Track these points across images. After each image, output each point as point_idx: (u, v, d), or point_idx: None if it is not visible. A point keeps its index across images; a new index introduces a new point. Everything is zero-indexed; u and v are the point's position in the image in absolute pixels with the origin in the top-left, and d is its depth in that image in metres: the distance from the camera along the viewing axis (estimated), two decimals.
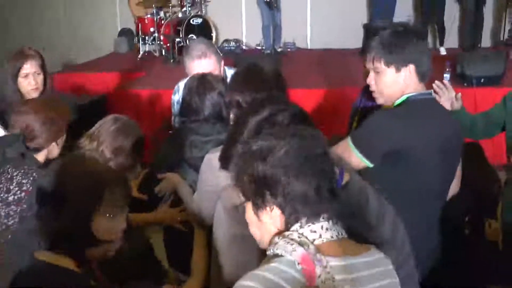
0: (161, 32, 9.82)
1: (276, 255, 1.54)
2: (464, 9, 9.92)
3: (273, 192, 1.56)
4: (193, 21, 9.65)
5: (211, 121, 3.02)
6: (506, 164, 3.64)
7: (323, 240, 1.57)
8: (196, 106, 3.04)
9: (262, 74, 2.54)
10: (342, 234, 1.63)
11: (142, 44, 10.06)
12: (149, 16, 10.01)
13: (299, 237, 1.54)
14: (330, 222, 1.60)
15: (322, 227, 1.57)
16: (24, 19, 11.36)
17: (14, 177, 2.64)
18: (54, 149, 2.85)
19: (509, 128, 3.39)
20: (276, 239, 1.57)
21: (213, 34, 9.69)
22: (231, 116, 2.57)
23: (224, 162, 1.87)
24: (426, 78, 2.57)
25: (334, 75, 7.85)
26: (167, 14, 10.02)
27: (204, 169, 2.56)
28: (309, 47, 10.93)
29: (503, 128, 3.45)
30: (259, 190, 1.59)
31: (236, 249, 2.54)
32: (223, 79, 3.29)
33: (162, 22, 9.87)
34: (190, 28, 9.58)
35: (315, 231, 1.57)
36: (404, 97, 2.52)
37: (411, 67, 2.49)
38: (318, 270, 1.49)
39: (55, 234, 1.87)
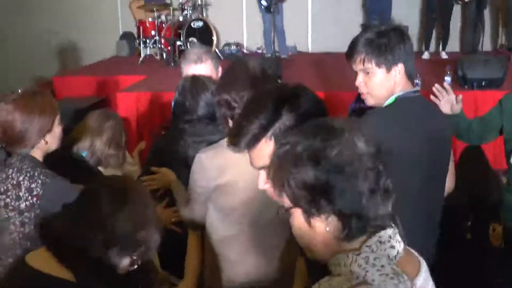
0: (162, 35, 9.79)
1: (365, 283, 1.34)
2: (465, 13, 9.93)
3: (330, 199, 1.37)
4: (194, 24, 9.62)
5: (204, 122, 2.99)
6: (505, 169, 3.56)
7: (400, 256, 1.42)
8: (190, 105, 3.01)
9: (249, 72, 2.49)
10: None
11: (143, 47, 10.04)
12: (150, 19, 9.99)
13: (388, 263, 1.37)
14: (395, 228, 1.46)
15: (397, 240, 1.43)
16: (25, 21, 11.31)
17: (21, 183, 2.57)
18: (50, 144, 2.70)
19: (507, 131, 3.36)
20: (360, 260, 1.37)
21: (214, 38, 9.65)
22: (222, 115, 2.53)
23: (235, 139, 1.75)
24: (413, 76, 2.58)
25: (333, 78, 7.78)
26: (168, 18, 9.98)
27: (195, 169, 2.52)
28: (310, 51, 10.90)
29: (500, 132, 3.39)
30: (312, 197, 1.38)
31: (229, 250, 2.50)
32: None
33: (163, 25, 9.86)
34: (191, 32, 9.57)
35: (393, 247, 1.41)
36: (393, 98, 2.51)
37: (400, 66, 2.48)
38: None
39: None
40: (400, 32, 2.51)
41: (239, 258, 2.49)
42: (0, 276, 2.35)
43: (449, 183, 2.77)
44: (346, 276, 1.37)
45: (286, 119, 1.70)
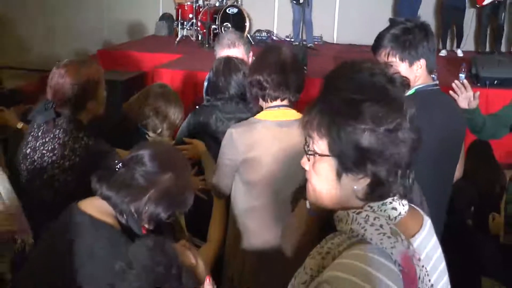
0: (199, 18, 9.77)
1: (364, 241, 1.31)
2: (480, 16, 9.84)
3: (375, 164, 1.32)
4: (229, 10, 9.59)
5: (234, 100, 3.01)
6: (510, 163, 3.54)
7: (401, 217, 1.40)
8: (222, 85, 3.03)
9: (280, 56, 2.52)
10: (407, 203, 1.46)
11: (180, 28, 10.03)
12: (189, 3, 9.96)
13: (387, 222, 1.33)
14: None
15: (400, 203, 1.41)
16: (72, 2, 11.39)
17: (67, 143, 2.57)
18: (94, 109, 2.71)
19: None
20: (360, 219, 1.34)
21: (247, 24, 9.62)
22: (253, 95, 2.56)
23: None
24: (433, 72, 2.57)
25: None
26: (205, 3, 9.94)
27: (225, 142, 2.54)
28: (335, 42, 10.82)
29: (510, 128, 3.36)
30: (359, 158, 1.32)
31: (251, 220, 2.52)
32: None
33: (201, 9, 9.82)
34: (225, 17, 9.54)
35: (395, 208, 1.39)
36: (413, 90, 2.49)
37: (422, 62, 2.48)
38: (418, 272, 1.31)
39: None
40: (425, 30, 2.49)
41: (259, 228, 2.51)
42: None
43: (457, 172, 2.76)
44: (346, 234, 1.35)
45: None
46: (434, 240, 1.51)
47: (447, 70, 7.63)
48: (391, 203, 1.40)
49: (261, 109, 2.59)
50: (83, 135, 2.60)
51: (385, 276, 1.24)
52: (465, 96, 3.23)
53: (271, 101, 2.52)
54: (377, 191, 1.37)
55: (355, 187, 1.37)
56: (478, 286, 3.55)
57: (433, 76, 2.70)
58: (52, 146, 2.59)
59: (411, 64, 2.47)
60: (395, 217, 1.39)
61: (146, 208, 1.86)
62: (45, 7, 11.37)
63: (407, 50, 2.46)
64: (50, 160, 2.59)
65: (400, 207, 1.41)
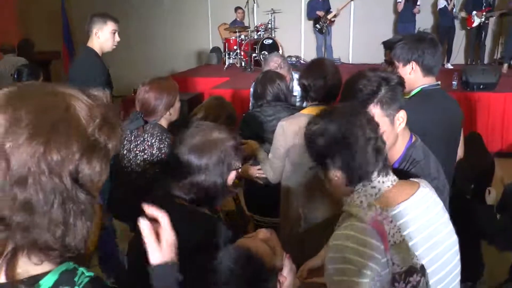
0: (242, 49, 9.84)
1: (352, 215, 1.44)
2: (469, 36, 9.75)
3: (333, 160, 1.45)
4: (265, 41, 9.62)
5: (272, 104, 3.00)
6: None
7: (382, 192, 1.46)
8: (260, 93, 3.04)
9: (323, 66, 2.54)
10: (394, 180, 1.50)
11: (227, 58, 10.08)
12: (233, 38, 10.03)
13: (367, 198, 1.45)
14: (384, 173, 1.48)
15: (379, 181, 1.47)
16: (144, 39, 11.65)
17: (154, 144, 2.60)
18: (172, 116, 2.75)
19: None
20: (349, 201, 1.48)
21: (280, 51, 9.63)
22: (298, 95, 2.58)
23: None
24: (432, 72, 2.42)
25: None
26: (246, 36, 10.02)
27: (277, 133, 2.57)
28: (350, 62, 10.77)
29: None
30: (322, 159, 1.48)
31: (299, 193, 2.53)
32: (282, 76, 3.21)
33: (243, 42, 9.88)
34: (263, 47, 9.56)
35: (375, 187, 1.46)
36: (418, 88, 2.42)
37: (413, 63, 2.38)
38: (386, 228, 1.39)
39: None
40: (419, 37, 2.40)
41: (306, 201, 2.53)
42: None
43: (460, 152, 2.71)
44: (344, 213, 1.51)
45: (384, 91, 1.72)
46: (424, 207, 1.51)
47: (442, 79, 7.53)
48: (370, 183, 1.47)
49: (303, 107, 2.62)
50: (165, 137, 2.63)
51: (360, 233, 1.38)
52: None
53: (312, 102, 2.54)
54: (351, 179, 1.46)
55: (336, 179, 1.48)
56: (477, 247, 3.52)
57: (438, 81, 2.62)
58: (143, 147, 2.63)
59: (404, 65, 2.40)
60: (376, 194, 1.46)
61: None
62: (128, 43, 11.61)
63: (400, 53, 2.39)
64: (142, 158, 2.64)
65: (379, 184, 1.47)
